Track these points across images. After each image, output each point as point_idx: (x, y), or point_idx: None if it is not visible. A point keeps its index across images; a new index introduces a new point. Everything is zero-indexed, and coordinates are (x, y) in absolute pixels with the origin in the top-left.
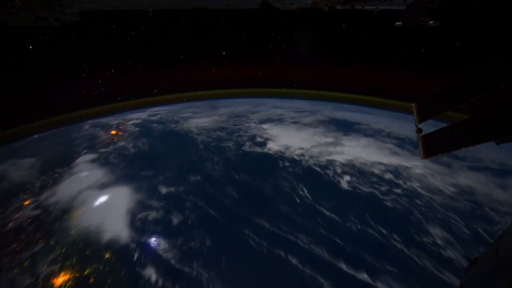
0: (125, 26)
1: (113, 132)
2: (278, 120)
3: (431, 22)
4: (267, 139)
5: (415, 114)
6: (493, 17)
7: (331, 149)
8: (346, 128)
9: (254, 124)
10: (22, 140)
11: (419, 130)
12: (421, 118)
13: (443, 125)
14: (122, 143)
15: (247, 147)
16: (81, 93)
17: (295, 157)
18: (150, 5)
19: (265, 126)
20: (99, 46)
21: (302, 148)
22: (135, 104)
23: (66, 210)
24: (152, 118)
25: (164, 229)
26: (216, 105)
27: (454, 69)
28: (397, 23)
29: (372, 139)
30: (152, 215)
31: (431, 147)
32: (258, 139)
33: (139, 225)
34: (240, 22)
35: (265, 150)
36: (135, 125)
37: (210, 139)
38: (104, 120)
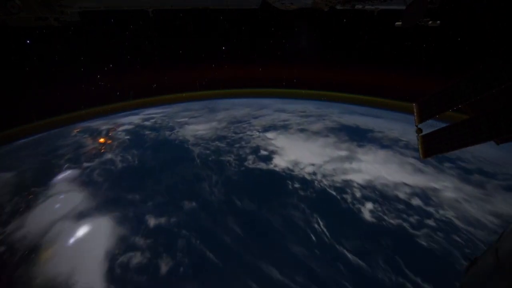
0: (123, 25)
1: (101, 140)
2: (283, 127)
3: (431, 22)
4: (272, 152)
5: (415, 114)
6: (493, 17)
7: (347, 165)
8: (359, 137)
9: (257, 133)
10: (9, 144)
11: (419, 130)
12: (421, 118)
13: (443, 125)
14: (109, 155)
15: (250, 162)
16: (72, 94)
17: (306, 176)
18: (150, 5)
19: (269, 135)
20: (94, 46)
21: (313, 165)
22: (129, 105)
23: (34, 249)
24: (146, 123)
25: (150, 279)
26: (215, 108)
27: (457, 68)
28: (397, 23)
29: (390, 151)
30: (136, 258)
31: (430, 147)
32: (263, 152)
33: (119, 273)
34: (241, 21)
35: (271, 166)
36: (126, 131)
37: (208, 151)
38: (94, 124)
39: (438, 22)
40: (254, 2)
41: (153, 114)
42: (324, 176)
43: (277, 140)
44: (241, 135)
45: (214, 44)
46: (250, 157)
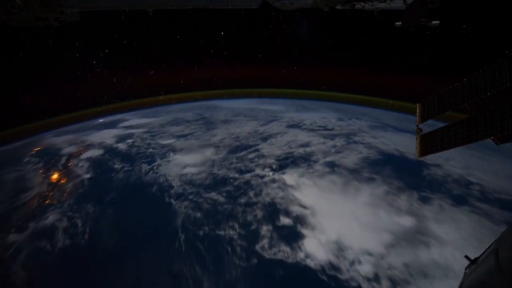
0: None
1: (54, 177)
2: (306, 161)
3: (431, 22)
4: (298, 220)
5: (417, 114)
6: (493, 17)
7: (423, 254)
8: (414, 178)
9: (271, 172)
10: None
11: (419, 130)
12: (423, 118)
13: (443, 125)
14: (52, 215)
15: (266, 242)
16: (47, 97)
17: (364, 283)
18: (150, 5)
19: (288, 177)
20: (80, 43)
21: (370, 254)
22: (113, 109)
23: None
24: (120, 145)
25: None
26: (211, 118)
27: (457, 68)
28: (397, 23)
29: (471, 212)
30: None
31: (427, 146)
32: (283, 219)
33: None
34: (243, 20)
35: (301, 256)
36: (90, 163)
37: (199, 214)
38: (60, 140)
39: (438, 22)
40: (254, 2)
41: (133, 128)
42: (394, 283)
43: (301, 190)
44: (247, 176)
45: (214, 42)
46: (265, 229)
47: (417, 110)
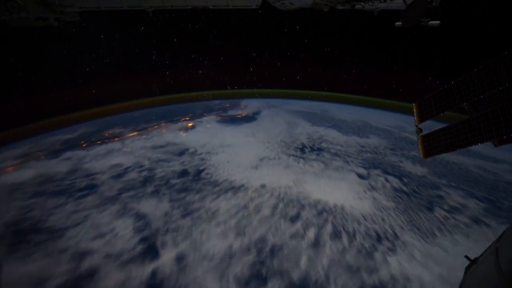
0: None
1: None
2: None
3: (431, 22)
4: None
5: (415, 114)
6: (493, 17)
7: None
8: None
9: None
10: None
11: (419, 130)
12: (422, 118)
13: (443, 125)
14: None
15: None
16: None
17: None
18: (150, 5)
19: None
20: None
21: None
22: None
23: None
24: None
25: None
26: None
27: (457, 68)
28: (397, 23)
29: None
30: None
31: (431, 147)
32: None
33: None
34: (242, 21)
35: None
36: None
37: None
38: None
39: (438, 22)
40: (254, 2)
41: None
42: None
43: None
44: None
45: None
46: None
47: (414, 110)
